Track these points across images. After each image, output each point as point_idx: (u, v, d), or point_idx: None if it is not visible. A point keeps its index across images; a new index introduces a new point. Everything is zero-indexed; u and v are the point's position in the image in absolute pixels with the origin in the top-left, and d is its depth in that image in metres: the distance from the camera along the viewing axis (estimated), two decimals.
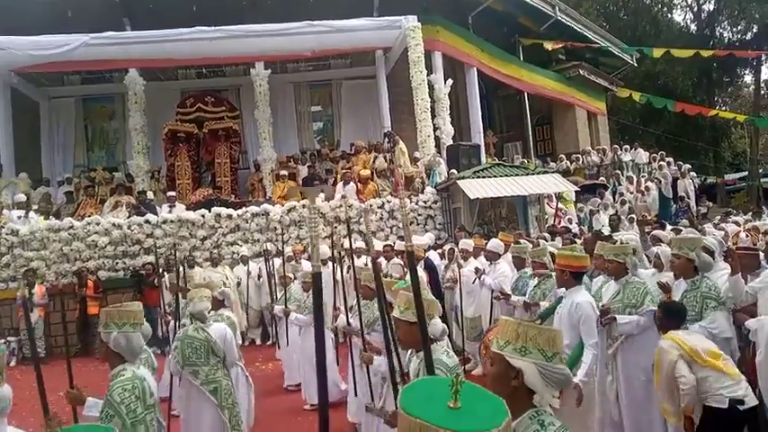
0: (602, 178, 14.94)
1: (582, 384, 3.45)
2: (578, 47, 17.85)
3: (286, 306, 6.28)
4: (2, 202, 10.47)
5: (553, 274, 5.50)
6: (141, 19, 12.84)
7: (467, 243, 7.37)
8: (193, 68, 14.70)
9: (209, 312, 4.40)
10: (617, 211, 11.77)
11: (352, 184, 11.53)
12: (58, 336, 7.16)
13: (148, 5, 13.01)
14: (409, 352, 3.04)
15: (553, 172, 11.18)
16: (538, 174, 10.47)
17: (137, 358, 2.90)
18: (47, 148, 14.51)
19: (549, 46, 17.06)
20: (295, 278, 6.93)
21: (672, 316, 3.57)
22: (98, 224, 9.98)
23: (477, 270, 6.76)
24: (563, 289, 4.10)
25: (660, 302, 3.88)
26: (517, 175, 10.10)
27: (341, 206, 10.82)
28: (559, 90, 18.09)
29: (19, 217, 10.13)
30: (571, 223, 10.55)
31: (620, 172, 15.28)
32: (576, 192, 11.88)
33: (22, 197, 10.83)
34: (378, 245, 9.19)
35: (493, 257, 6.78)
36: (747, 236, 4.13)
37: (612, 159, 16.06)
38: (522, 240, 7.09)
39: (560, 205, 11.57)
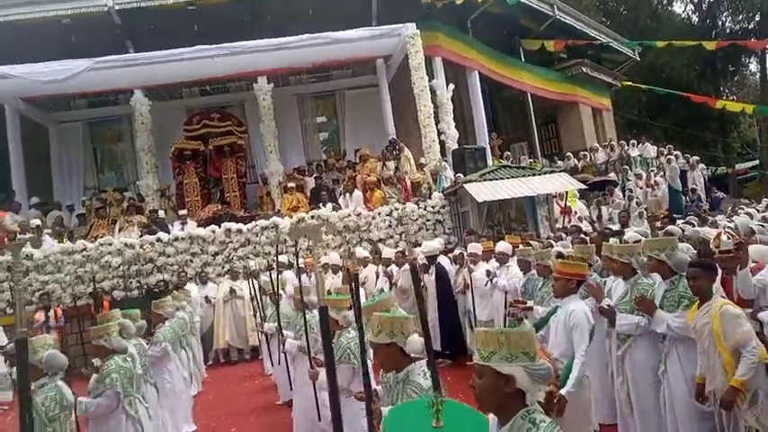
0: (610, 174, 14.86)
1: (568, 396, 3.39)
2: (579, 44, 17.83)
3: (279, 324, 5.71)
4: (15, 230, 10.60)
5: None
6: (144, 40, 13.01)
7: (475, 247, 7.36)
8: (197, 86, 14.85)
9: None
10: (626, 207, 11.69)
11: (356, 192, 11.56)
12: (77, 356, 7.23)
13: (150, 27, 13.19)
14: (389, 375, 2.88)
15: (560, 171, 11.14)
16: (545, 173, 10.45)
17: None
18: (57, 172, 14.68)
19: (549, 46, 17.05)
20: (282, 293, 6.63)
21: (712, 270, 3.56)
22: (110, 245, 10.09)
23: (488, 273, 6.76)
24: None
25: (693, 261, 3.80)
26: (524, 176, 10.06)
27: (349, 215, 10.86)
28: (562, 88, 18.08)
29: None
30: (582, 222, 10.50)
31: (628, 167, 15.21)
32: (585, 189, 11.84)
33: (35, 222, 10.97)
34: (388, 252, 9.23)
35: (504, 260, 6.79)
36: (729, 238, 4.05)
37: (620, 155, 15.99)
38: (532, 242, 7.07)
39: (568, 204, 11.53)
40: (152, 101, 13.01)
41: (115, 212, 11.97)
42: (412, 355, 2.70)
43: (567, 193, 11.00)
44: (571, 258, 4.27)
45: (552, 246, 6.96)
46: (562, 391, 3.37)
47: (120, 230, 10.87)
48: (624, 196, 13.50)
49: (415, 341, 2.68)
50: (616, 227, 8.76)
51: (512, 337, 1.86)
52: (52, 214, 12.33)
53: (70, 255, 9.93)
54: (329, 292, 4.89)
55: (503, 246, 6.93)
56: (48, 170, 14.56)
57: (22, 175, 13.18)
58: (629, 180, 14.58)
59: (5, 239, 10.48)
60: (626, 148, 16.25)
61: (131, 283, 9.90)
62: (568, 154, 16.51)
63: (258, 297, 7.20)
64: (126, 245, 10.10)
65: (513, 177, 9.95)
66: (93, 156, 15.37)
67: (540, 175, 10.30)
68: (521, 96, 17.82)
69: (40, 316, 8.98)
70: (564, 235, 8.36)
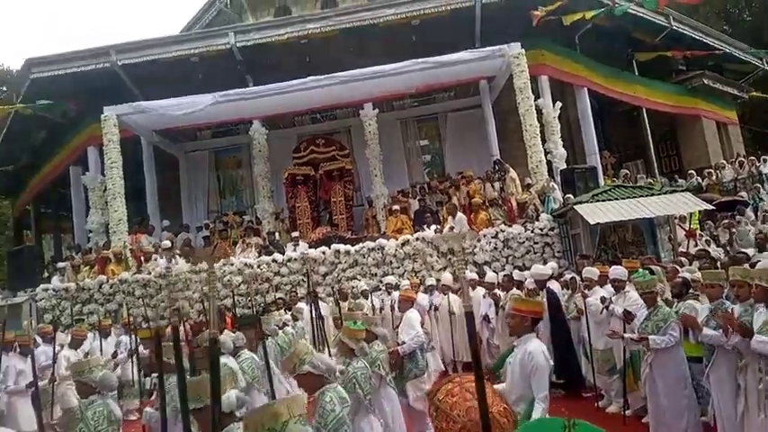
0: (741, 193, 13.59)
1: None
2: (699, 55, 16.64)
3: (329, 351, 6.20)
4: (150, 251, 11.72)
5: (662, 304, 5.26)
6: (262, 74, 13.96)
7: (591, 271, 7.03)
8: (308, 115, 15.63)
9: None
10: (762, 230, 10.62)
11: (460, 214, 11.50)
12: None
13: (267, 61, 14.15)
14: None
15: (682, 190, 10.39)
16: (665, 193, 9.80)
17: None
18: (185, 197, 16.04)
19: (668, 55, 16.07)
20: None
21: None
22: (232, 264, 10.85)
23: (603, 299, 6.44)
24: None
25: None
26: (641, 196, 9.50)
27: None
28: (682, 102, 16.93)
29: (169, 260, 11.32)
30: (709, 245, 9.68)
31: (760, 185, 13.83)
32: (712, 210, 10.92)
33: (167, 243, 12.07)
34: (491, 276, 9.08)
35: (620, 285, 6.42)
36: None
37: (750, 172, 14.61)
38: (653, 267, 6.65)
39: (692, 226, 10.71)
40: (268, 129, 13.93)
41: (236, 234, 12.87)
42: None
43: (691, 214, 10.24)
44: (703, 286, 4.02)
45: (678, 271, 6.53)
46: None
47: (241, 251, 11.64)
48: (756, 217, 12.28)
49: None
50: (751, 251, 7.99)
51: (262, 421, 2.10)
52: (181, 236, 13.51)
53: (197, 274, 10.78)
54: (354, 321, 4.98)
55: (617, 271, 6.57)
56: (177, 196, 15.97)
57: (156, 201, 14.62)
58: (761, 200, 13.24)
59: (142, 259, 11.63)
60: (757, 164, 14.82)
61: (250, 300, 10.54)
62: (691, 172, 15.35)
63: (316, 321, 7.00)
64: (245, 265, 10.81)
65: (628, 198, 9.43)
66: (217, 182, 16.67)
67: (659, 194, 9.67)
68: (635, 112, 16.90)
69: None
70: (683, 259, 7.79)
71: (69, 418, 3.98)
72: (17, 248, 15.24)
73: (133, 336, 8.06)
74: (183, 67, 13.99)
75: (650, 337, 5.04)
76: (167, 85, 13.65)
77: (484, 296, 8.70)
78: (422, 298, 9.01)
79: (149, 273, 10.97)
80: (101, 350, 8.19)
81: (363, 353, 4.49)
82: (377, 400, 4.70)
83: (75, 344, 7.92)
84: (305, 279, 10.60)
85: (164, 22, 71.32)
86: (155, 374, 7.51)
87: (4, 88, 27.25)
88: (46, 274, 12.76)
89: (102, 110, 12.77)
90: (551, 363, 3.59)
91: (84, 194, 15.29)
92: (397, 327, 6.85)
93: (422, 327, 6.34)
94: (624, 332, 5.74)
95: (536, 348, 3.52)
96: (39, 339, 7.86)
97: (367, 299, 9.24)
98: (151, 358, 8.65)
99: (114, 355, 8.29)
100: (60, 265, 12.59)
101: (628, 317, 5.68)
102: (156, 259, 11.46)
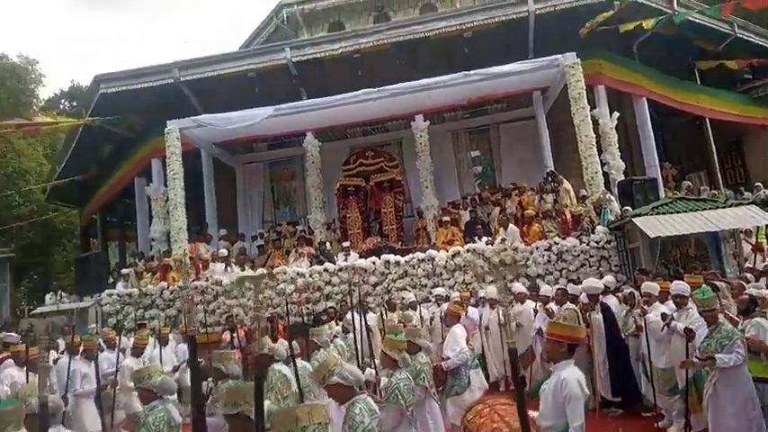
0: None
1: None
2: (766, 63, 15.83)
3: (358, 361, 5.96)
4: (208, 259, 12.13)
5: (724, 321, 5.07)
6: (315, 87, 14.27)
7: (651, 287, 6.80)
8: (360, 127, 15.83)
9: None
10: None
11: (512, 226, 11.34)
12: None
13: (321, 75, 14.47)
14: None
15: (748, 203, 9.89)
16: (730, 206, 9.35)
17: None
18: (242, 208, 16.48)
19: (732, 65, 15.38)
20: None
21: None
22: (285, 273, 11.08)
23: (663, 316, 6.20)
24: None
25: None
26: (705, 209, 9.12)
27: (505, 250, 10.70)
28: (748, 112, 16.11)
29: (225, 267, 11.68)
30: None
31: None
32: None
33: (224, 252, 12.45)
34: (546, 289, 8.90)
35: (682, 302, 6.17)
36: None
37: None
38: (717, 283, 6.36)
39: (759, 240, 10.15)
40: (321, 142, 14.20)
41: (289, 244, 13.15)
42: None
43: (758, 228, 9.73)
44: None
45: (744, 287, 6.24)
46: None
47: (294, 261, 11.88)
48: None
49: None
50: None
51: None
52: (237, 245, 13.91)
53: (252, 281, 11.07)
54: (396, 333, 4.93)
55: (679, 286, 6.32)
56: (233, 205, 16.45)
57: (214, 211, 15.12)
58: None
59: (200, 267, 12.05)
60: None
61: (301, 309, 10.72)
62: (758, 184, 14.54)
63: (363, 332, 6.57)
64: (298, 274, 11.02)
65: (691, 211, 9.07)
66: (272, 193, 17.07)
67: (723, 207, 9.24)
68: (698, 121, 16.24)
69: (226, 336, 10.06)
70: (750, 275, 7.40)
71: (135, 423, 4.15)
72: (84, 255, 16.06)
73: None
74: (242, 82, 14.44)
75: (717, 355, 4.85)
76: (226, 99, 14.17)
77: (535, 310, 8.52)
78: (472, 312, 8.94)
79: (206, 280, 11.34)
80: (160, 359, 8.46)
81: (406, 364, 4.51)
82: (420, 413, 4.69)
83: (137, 352, 8.20)
84: (354, 289, 10.70)
85: (225, 38, 74.15)
86: (209, 378, 7.76)
87: (75, 103, 29.00)
88: (111, 280, 13.37)
89: (166, 123, 13.34)
90: (587, 392, 3.47)
91: (147, 204, 15.98)
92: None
93: (467, 342, 6.28)
94: (687, 352, 5.52)
95: (570, 376, 3.39)
96: (103, 345, 8.22)
97: (415, 310, 9.23)
98: (205, 364, 8.97)
99: (175, 369, 8.53)
100: (124, 271, 13.22)
101: (689, 335, 5.46)
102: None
